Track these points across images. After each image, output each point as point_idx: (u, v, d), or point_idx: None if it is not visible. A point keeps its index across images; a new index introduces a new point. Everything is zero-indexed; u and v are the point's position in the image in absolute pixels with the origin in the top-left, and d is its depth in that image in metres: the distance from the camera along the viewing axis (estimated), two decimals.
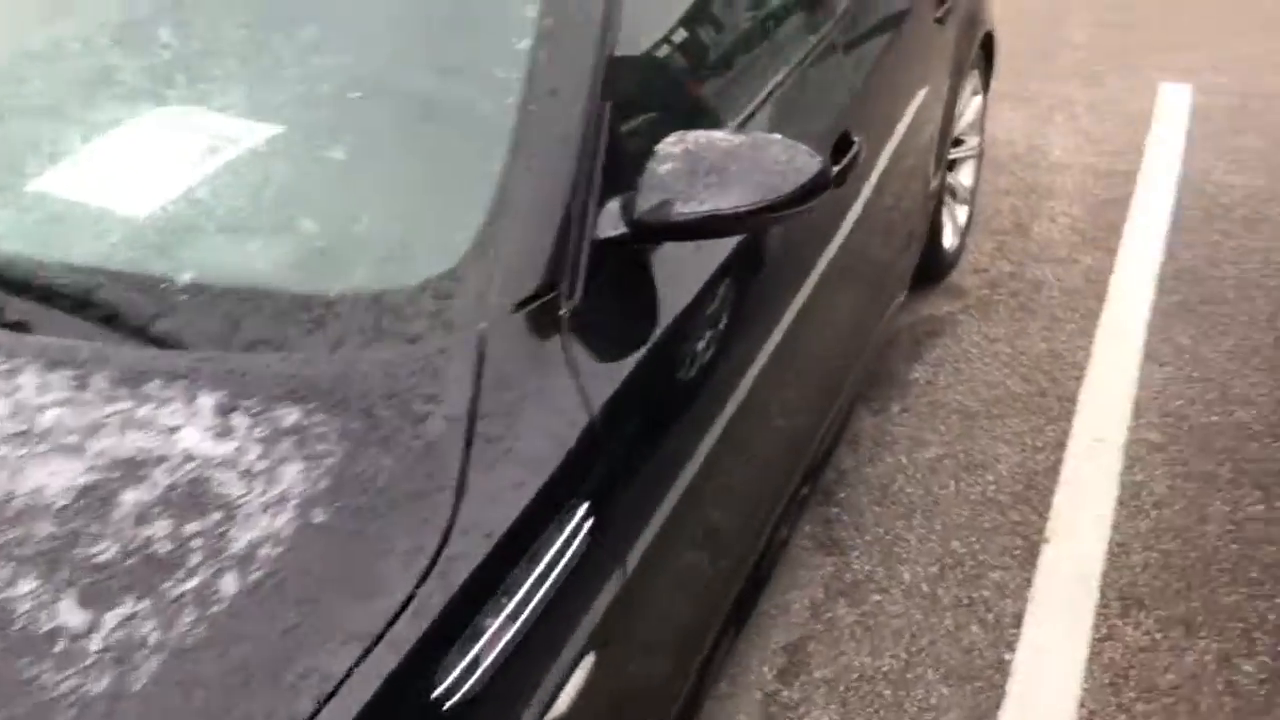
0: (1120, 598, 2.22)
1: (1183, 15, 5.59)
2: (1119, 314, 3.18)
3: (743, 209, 1.38)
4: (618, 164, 1.46)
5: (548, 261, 1.35)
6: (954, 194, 3.52)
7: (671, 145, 1.41)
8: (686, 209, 1.37)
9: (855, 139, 2.08)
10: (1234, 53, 5.10)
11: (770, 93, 1.86)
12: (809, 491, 2.21)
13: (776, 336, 1.81)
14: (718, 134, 1.43)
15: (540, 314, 1.33)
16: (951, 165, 3.50)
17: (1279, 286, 3.27)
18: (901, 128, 2.51)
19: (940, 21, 2.73)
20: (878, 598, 2.29)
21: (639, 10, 1.59)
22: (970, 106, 3.43)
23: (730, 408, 1.64)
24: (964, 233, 3.54)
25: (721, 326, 1.63)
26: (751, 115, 1.79)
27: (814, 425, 2.16)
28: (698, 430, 1.55)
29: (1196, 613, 2.18)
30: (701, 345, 1.57)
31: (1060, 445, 2.67)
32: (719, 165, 1.39)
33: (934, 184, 3.00)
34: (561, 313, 1.35)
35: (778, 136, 1.43)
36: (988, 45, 3.43)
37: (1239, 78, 4.81)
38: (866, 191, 2.24)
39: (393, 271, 1.33)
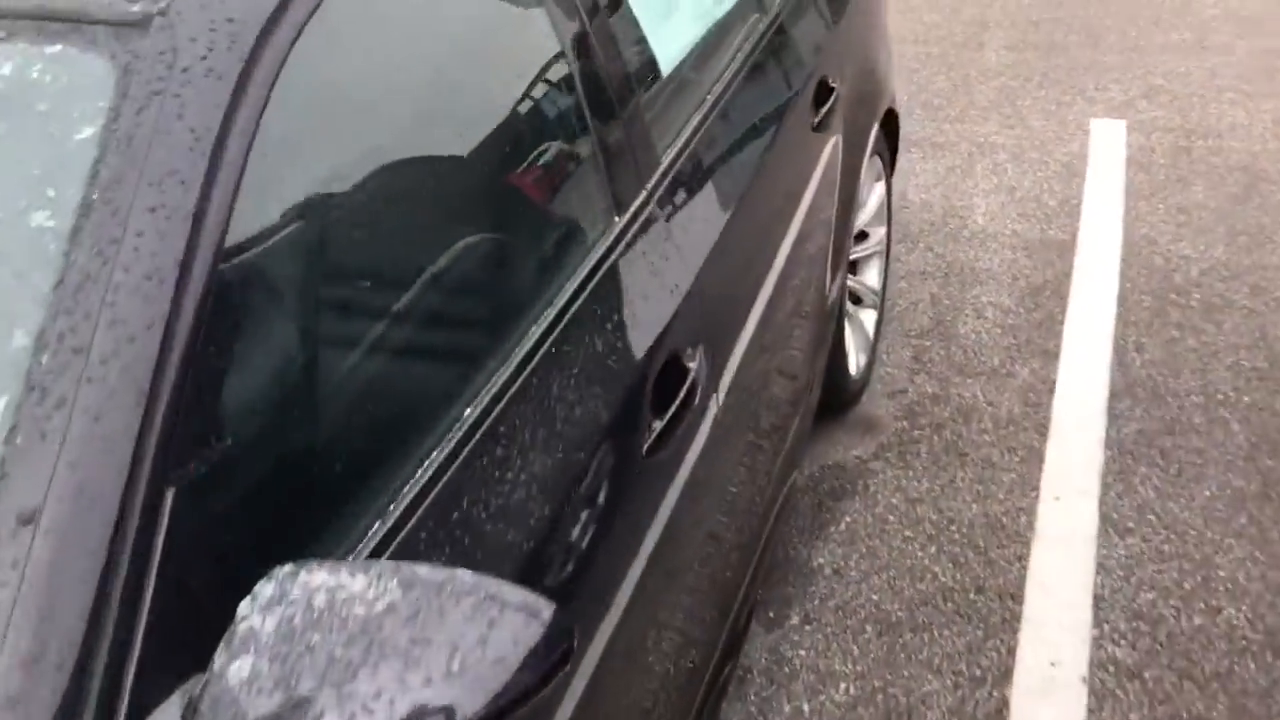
0: None
1: (1107, 31, 5.04)
2: (1066, 455, 2.57)
3: None
4: (172, 634, 0.79)
5: None
6: (859, 299, 2.89)
7: (263, 609, 0.75)
8: None
9: (690, 364, 1.42)
10: (1167, 74, 4.55)
11: (535, 350, 1.19)
12: None
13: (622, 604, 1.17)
14: (355, 578, 0.76)
15: None
16: (854, 266, 2.87)
17: (1257, 404, 2.69)
18: (778, 270, 1.87)
19: (819, 129, 2.08)
20: None
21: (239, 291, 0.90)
22: (873, 196, 2.80)
23: None
24: (874, 345, 2.91)
25: None
26: (502, 395, 1.13)
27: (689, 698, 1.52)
28: None
29: None
30: None
31: (1005, 674, 2.05)
32: (352, 658, 0.73)
33: (832, 298, 2.36)
34: None
35: (469, 578, 0.76)
36: (889, 123, 2.80)
37: (1177, 109, 4.25)
38: (738, 360, 1.61)
39: None
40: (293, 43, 1.00)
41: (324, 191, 1.02)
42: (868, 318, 2.90)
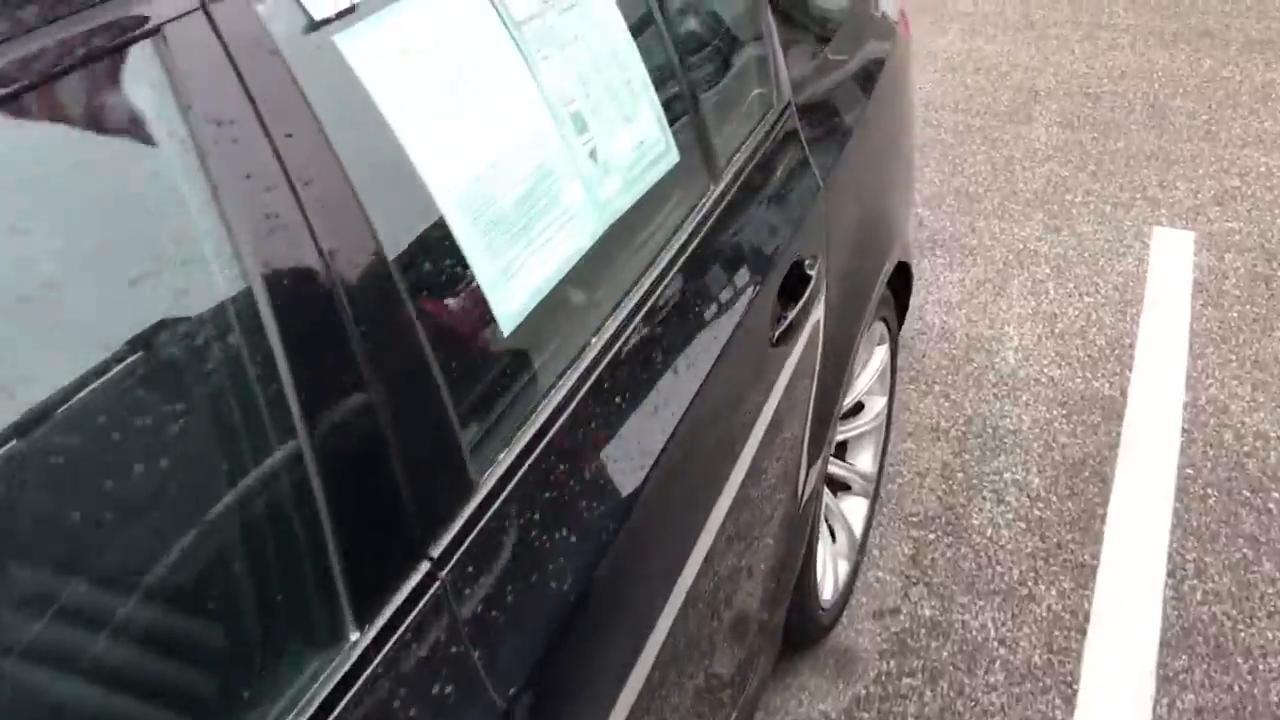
0: None
1: (1174, 112, 4.37)
2: None
3: None
4: None
5: None
6: (848, 487, 2.28)
7: None
8: None
9: None
10: (1245, 173, 3.88)
11: None
12: None
13: None
14: None
15: None
16: (842, 448, 2.27)
17: None
18: (729, 497, 1.29)
19: (783, 340, 1.47)
20: None
21: None
22: (873, 361, 2.19)
23: None
24: (861, 544, 2.30)
25: None
26: None
27: None
28: None
29: None
30: None
31: None
32: None
33: (804, 496, 1.76)
34: None
35: None
36: (900, 276, 2.18)
37: (1256, 221, 3.59)
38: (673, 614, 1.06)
39: None
40: None
41: None
42: (856, 510, 2.29)
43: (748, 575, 1.50)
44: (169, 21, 0.78)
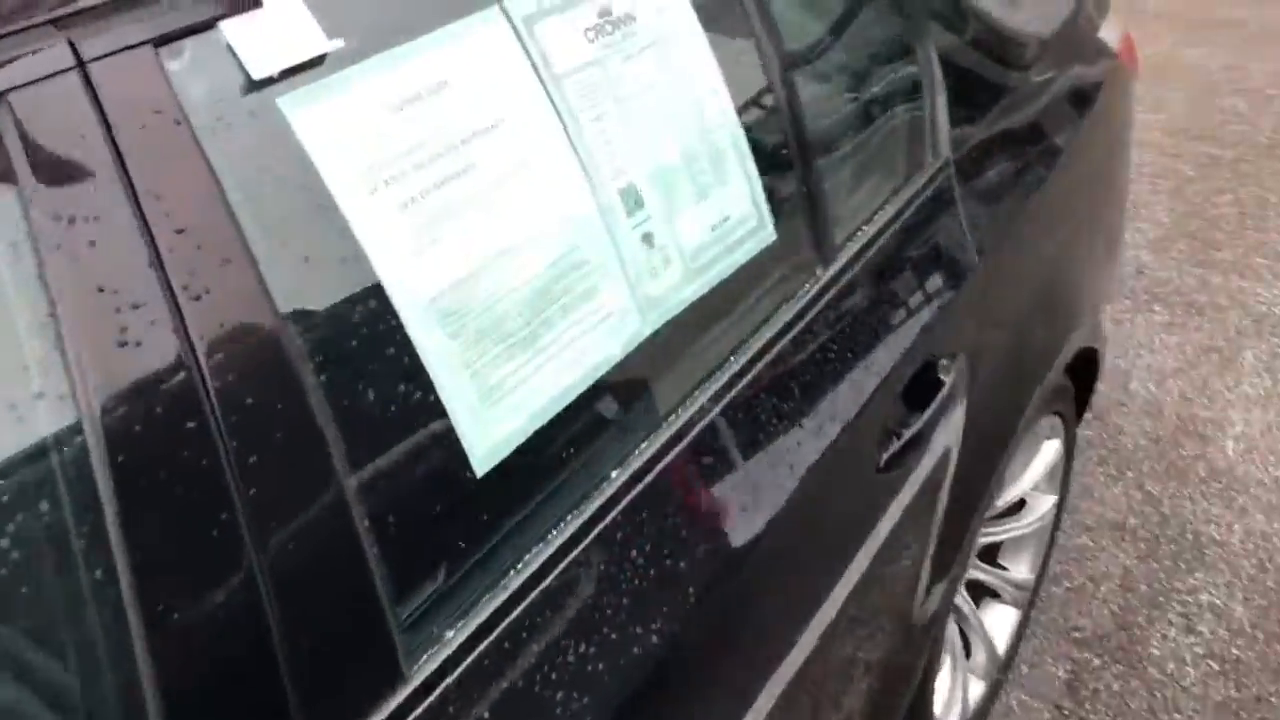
0: None
1: None
2: None
3: None
4: None
5: None
6: (995, 595, 1.96)
7: None
8: None
9: None
10: None
11: None
12: None
13: None
14: None
15: None
16: (993, 551, 1.94)
17: None
18: (804, 653, 1.06)
19: (889, 468, 1.19)
20: None
21: None
22: (1041, 456, 1.85)
23: None
24: (1005, 663, 1.96)
25: None
26: None
27: None
28: None
29: None
30: None
31: None
32: None
33: (922, 622, 1.48)
34: None
35: None
36: (1084, 364, 1.82)
37: None
38: None
39: None
40: None
41: None
42: (1002, 621, 1.96)
43: None
44: (20, 87, 0.61)
